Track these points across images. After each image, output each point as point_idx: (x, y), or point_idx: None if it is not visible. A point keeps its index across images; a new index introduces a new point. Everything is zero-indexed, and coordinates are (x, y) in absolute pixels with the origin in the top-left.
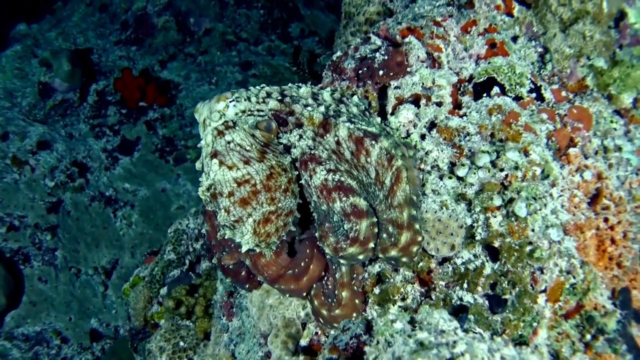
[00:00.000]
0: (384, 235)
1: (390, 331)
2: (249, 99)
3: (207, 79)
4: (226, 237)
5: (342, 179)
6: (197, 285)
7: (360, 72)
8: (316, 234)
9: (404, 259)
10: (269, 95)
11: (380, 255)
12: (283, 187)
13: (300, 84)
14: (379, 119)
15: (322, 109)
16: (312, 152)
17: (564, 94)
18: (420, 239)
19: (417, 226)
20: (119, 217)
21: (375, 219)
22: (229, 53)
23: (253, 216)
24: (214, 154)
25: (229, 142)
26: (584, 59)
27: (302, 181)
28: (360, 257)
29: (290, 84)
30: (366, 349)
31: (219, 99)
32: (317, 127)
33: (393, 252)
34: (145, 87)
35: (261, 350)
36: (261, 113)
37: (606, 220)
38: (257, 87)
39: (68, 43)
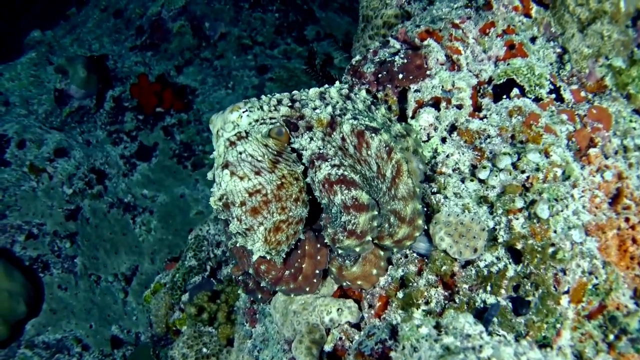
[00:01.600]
0: (385, 225)
1: (416, 336)
2: (261, 107)
3: (223, 84)
4: (238, 245)
5: (345, 172)
6: (218, 292)
7: (379, 75)
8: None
9: (395, 249)
10: (279, 102)
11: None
12: (294, 196)
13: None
14: (383, 110)
15: (329, 109)
16: (320, 151)
17: (583, 94)
18: (417, 234)
19: (419, 222)
20: (138, 223)
21: (375, 213)
22: (245, 57)
23: (264, 225)
24: (226, 165)
25: (240, 153)
26: (603, 58)
27: (309, 179)
28: (357, 249)
29: (302, 90)
30: (392, 354)
31: (232, 110)
32: (325, 127)
33: (387, 242)
34: (162, 93)
35: (285, 357)
36: (273, 120)
37: (627, 220)
38: (268, 95)
39: (83, 49)
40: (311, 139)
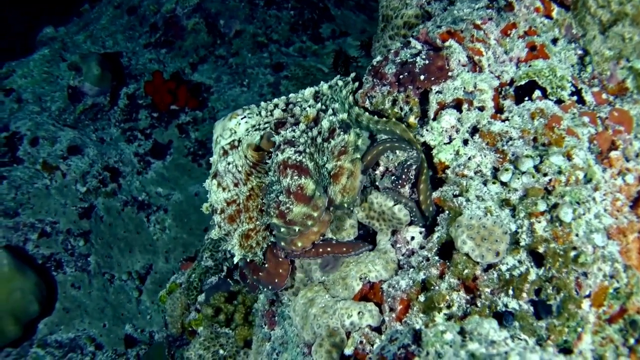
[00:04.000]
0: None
1: (440, 342)
2: (259, 113)
3: (238, 81)
4: (222, 248)
5: (303, 160)
6: (235, 293)
7: (401, 77)
8: None
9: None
10: (276, 106)
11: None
12: (260, 206)
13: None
14: (351, 98)
15: (318, 105)
16: (293, 139)
17: (604, 96)
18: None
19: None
20: (152, 221)
21: (313, 214)
22: (260, 55)
23: (237, 231)
24: (215, 175)
25: (229, 164)
26: (624, 61)
27: (269, 162)
28: (282, 229)
29: (299, 91)
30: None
31: (231, 117)
32: (310, 121)
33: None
34: (177, 90)
35: None
36: (267, 125)
37: None
38: (268, 101)
39: (97, 46)
40: (293, 130)
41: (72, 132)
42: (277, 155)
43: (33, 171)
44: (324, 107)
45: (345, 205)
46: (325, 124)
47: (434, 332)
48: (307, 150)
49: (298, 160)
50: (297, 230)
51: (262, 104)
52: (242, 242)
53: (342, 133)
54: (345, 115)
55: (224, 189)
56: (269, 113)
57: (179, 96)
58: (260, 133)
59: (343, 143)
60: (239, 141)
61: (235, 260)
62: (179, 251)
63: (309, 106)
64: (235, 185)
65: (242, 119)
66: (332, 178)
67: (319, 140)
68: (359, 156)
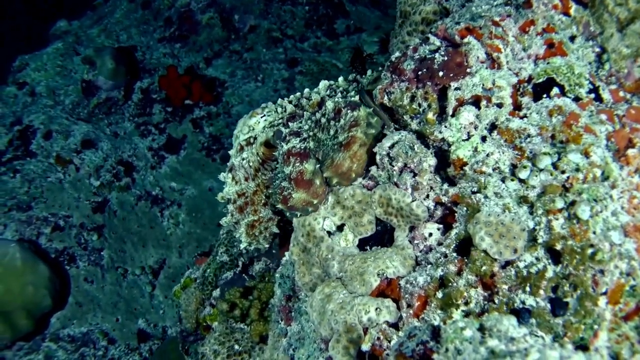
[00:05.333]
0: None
1: (460, 338)
2: (276, 110)
3: (252, 76)
4: (235, 235)
5: (307, 146)
6: (251, 288)
7: (419, 73)
8: None
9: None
10: (290, 102)
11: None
12: (263, 201)
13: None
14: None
15: (323, 92)
16: (298, 129)
17: (621, 94)
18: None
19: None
20: (165, 216)
21: (312, 199)
22: (275, 50)
23: (244, 221)
24: (230, 169)
25: (243, 159)
26: None
27: (276, 153)
28: (287, 213)
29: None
30: (434, 356)
31: (252, 115)
32: (315, 107)
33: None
34: (191, 85)
35: (322, 356)
36: (280, 121)
37: None
38: (286, 97)
39: (111, 40)
40: (300, 122)
41: (85, 126)
42: (282, 146)
43: (46, 165)
44: (332, 93)
45: (353, 174)
46: (329, 104)
47: (453, 328)
48: (311, 133)
49: (302, 148)
50: (299, 216)
51: (279, 100)
52: (248, 231)
53: (350, 111)
54: (356, 98)
55: (236, 182)
56: (283, 109)
57: (194, 91)
58: (274, 129)
59: (353, 118)
60: (255, 138)
61: (242, 247)
62: (193, 246)
63: (315, 93)
64: (246, 179)
65: (261, 117)
66: (343, 147)
67: (323, 120)
68: (373, 132)
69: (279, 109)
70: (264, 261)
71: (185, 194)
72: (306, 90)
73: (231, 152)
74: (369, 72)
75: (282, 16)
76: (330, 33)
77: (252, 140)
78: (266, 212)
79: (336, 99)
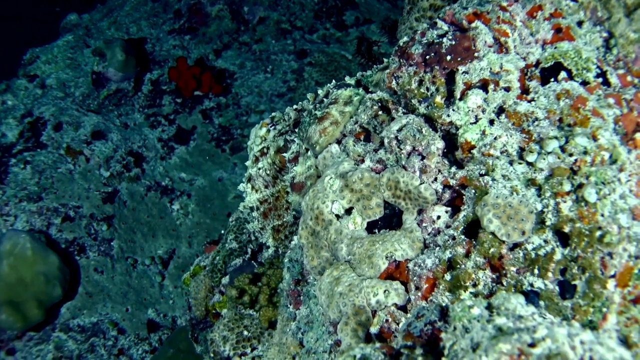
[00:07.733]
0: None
1: (467, 317)
2: (283, 118)
3: (262, 68)
4: (261, 240)
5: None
6: (260, 274)
7: (427, 57)
8: None
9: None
10: (296, 110)
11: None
12: (285, 206)
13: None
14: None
15: (325, 89)
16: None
17: (629, 78)
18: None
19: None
20: (175, 206)
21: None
22: (284, 41)
23: (270, 225)
24: (249, 179)
25: (259, 169)
26: None
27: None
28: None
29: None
30: (442, 335)
31: (261, 126)
32: (314, 99)
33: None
34: (201, 76)
35: (330, 339)
36: (287, 128)
37: None
38: (294, 105)
39: (121, 32)
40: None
41: (95, 117)
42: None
43: (57, 156)
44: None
45: (317, 148)
46: (320, 92)
47: (461, 307)
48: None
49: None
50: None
51: (287, 109)
52: (274, 235)
53: (335, 90)
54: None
55: (256, 191)
56: (289, 117)
57: (203, 82)
58: (284, 137)
59: (334, 96)
60: (268, 148)
61: (270, 251)
62: (202, 236)
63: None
64: (266, 187)
65: (270, 126)
66: (317, 120)
67: (317, 105)
68: (350, 110)
69: (286, 117)
70: (272, 248)
71: (194, 185)
72: (309, 94)
73: (247, 163)
74: (374, 67)
75: (291, 8)
76: (340, 24)
77: (265, 150)
78: (289, 217)
79: (328, 85)
